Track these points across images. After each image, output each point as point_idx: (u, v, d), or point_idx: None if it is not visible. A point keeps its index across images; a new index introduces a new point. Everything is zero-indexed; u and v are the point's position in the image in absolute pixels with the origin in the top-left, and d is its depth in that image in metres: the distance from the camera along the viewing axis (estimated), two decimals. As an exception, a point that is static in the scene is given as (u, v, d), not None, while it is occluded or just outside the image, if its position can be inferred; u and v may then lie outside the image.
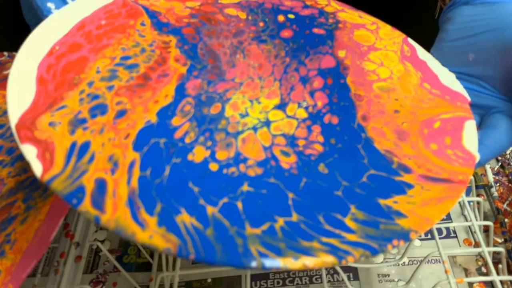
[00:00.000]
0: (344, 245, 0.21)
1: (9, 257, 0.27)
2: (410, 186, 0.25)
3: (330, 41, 0.34)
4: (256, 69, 0.32)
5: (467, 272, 0.42)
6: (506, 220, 0.46)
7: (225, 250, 0.20)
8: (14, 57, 0.37)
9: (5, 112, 0.37)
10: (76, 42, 0.28)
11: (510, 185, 0.48)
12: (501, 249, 0.36)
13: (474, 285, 0.41)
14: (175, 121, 0.27)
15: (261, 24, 0.35)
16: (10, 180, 0.32)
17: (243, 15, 0.35)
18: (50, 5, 0.30)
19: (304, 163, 0.26)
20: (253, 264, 0.19)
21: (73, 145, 0.23)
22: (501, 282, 0.34)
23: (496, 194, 0.48)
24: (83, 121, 0.24)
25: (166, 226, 0.20)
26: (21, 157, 0.34)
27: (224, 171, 0.25)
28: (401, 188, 0.25)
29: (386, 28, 0.36)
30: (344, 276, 0.38)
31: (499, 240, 0.44)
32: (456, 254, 0.42)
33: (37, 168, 0.21)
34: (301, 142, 0.28)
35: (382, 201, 0.24)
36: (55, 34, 0.27)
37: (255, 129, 0.28)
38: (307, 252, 0.20)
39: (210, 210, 0.22)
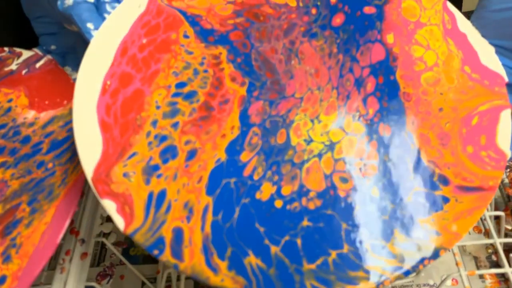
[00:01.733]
0: (385, 272, 0.25)
1: (15, 262, 0.27)
2: (446, 200, 0.27)
3: (379, 22, 0.34)
4: (314, 76, 0.33)
5: (477, 261, 0.44)
6: (517, 207, 0.47)
7: (284, 287, 0.24)
8: (16, 53, 0.40)
9: (6, 111, 0.37)
10: (125, 72, 0.29)
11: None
12: None
13: (485, 275, 0.43)
14: (244, 157, 0.29)
15: (314, 11, 0.34)
16: (14, 182, 0.32)
17: (292, 2, 0.34)
18: (90, 25, 0.31)
19: (359, 189, 0.28)
20: None
21: (150, 196, 0.26)
22: None
23: (507, 180, 0.47)
24: (156, 168, 0.27)
25: (236, 270, 0.25)
26: (24, 158, 0.34)
27: (288, 207, 0.28)
28: (439, 204, 0.27)
29: None
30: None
31: (509, 227, 0.45)
32: (467, 244, 0.43)
33: (120, 223, 0.25)
34: (358, 165, 0.29)
35: (421, 220, 0.27)
36: (101, 64, 0.29)
37: (320, 155, 0.30)
38: (352, 281, 0.24)
39: (274, 249, 0.26)
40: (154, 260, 0.47)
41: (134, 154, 0.27)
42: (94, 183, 0.25)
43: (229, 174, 0.28)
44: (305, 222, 0.27)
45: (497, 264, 0.42)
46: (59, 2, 0.31)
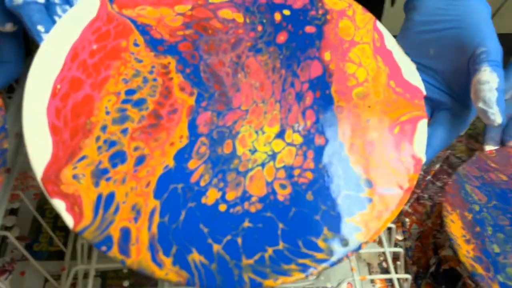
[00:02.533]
0: (313, 263, 0.28)
1: None
2: (369, 200, 0.31)
3: (318, 41, 0.37)
4: (259, 89, 0.35)
5: (370, 267, 0.49)
6: (406, 219, 0.53)
7: (224, 280, 0.27)
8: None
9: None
10: (75, 77, 0.31)
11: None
12: (400, 249, 0.42)
13: (375, 279, 0.48)
14: (192, 164, 0.31)
15: (259, 28, 0.37)
16: None
17: (240, 18, 0.37)
18: (40, 28, 0.32)
19: (296, 194, 0.31)
20: (244, 287, 0.26)
21: (99, 197, 0.28)
22: (398, 279, 0.40)
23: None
24: (105, 171, 0.29)
25: (180, 265, 0.27)
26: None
27: (231, 210, 0.30)
28: (363, 204, 0.31)
29: (359, 10, 0.39)
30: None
31: (399, 238, 0.51)
32: (362, 252, 0.48)
33: (69, 221, 0.27)
34: (296, 172, 0.32)
35: (348, 219, 0.30)
36: (52, 68, 0.30)
37: (263, 165, 0.32)
38: (285, 273, 0.27)
39: (216, 247, 0.28)
40: (59, 257, 0.46)
41: (83, 157, 0.29)
42: (44, 183, 0.27)
43: (177, 180, 0.30)
44: (246, 224, 0.30)
45: (387, 271, 0.46)
46: None
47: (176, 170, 0.31)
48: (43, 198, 0.51)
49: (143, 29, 0.34)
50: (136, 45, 0.34)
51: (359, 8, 0.39)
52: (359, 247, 0.29)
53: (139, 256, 0.27)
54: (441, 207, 0.43)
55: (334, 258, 0.28)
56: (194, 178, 0.31)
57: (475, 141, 0.63)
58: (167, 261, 0.27)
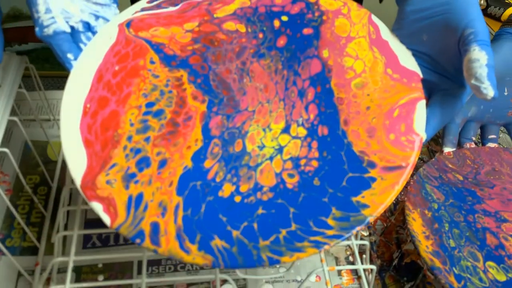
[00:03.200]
0: (325, 239, 0.31)
1: None
2: (373, 180, 0.33)
3: (316, 40, 0.41)
4: (263, 91, 0.39)
5: (337, 261, 0.52)
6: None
7: (244, 260, 0.30)
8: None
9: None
10: (102, 96, 0.36)
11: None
12: (366, 242, 0.44)
13: (342, 271, 0.51)
14: (207, 164, 0.35)
15: (261, 35, 0.41)
16: None
17: (242, 28, 0.41)
18: (70, 56, 0.36)
19: (304, 181, 0.35)
20: (263, 264, 0.30)
21: (130, 198, 0.32)
22: (364, 270, 0.43)
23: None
24: (133, 175, 0.33)
25: (204, 250, 0.31)
26: None
27: (245, 200, 0.34)
28: (368, 183, 0.33)
29: (353, 7, 0.42)
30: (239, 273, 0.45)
31: (365, 234, 0.54)
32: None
33: (106, 220, 0.31)
34: (302, 162, 0.36)
35: (354, 199, 0.33)
36: (81, 90, 0.35)
37: (271, 158, 0.36)
38: (299, 249, 0.30)
39: (235, 233, 0.32)
40: (32, 252, 0.47)
41: (114, 165, 0.34)
42: (83, 190, 0.31)
43: (195, 178, 0.35)
44: (260, 211, 0.33)
45: (353, 264, 0.50)
46: (37, 29, 0.36)
47: (194, 170, 0.35)
48: (15, 195, 0.53)
49: (158, 48, 0.39)
50: (152, 62, 0.38)
51: (354, 5, 0.42)
52: (367, 222, 0.31)
53: (169, 245, 0.31)
54: (404, 205, 0.46)
55: (344, 233, 0.31)
56: (210, 175, 0.35)
57: (435, 144, 0.66)
58: (193, 247, 0.31)
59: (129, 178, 0.33)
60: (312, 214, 0.33)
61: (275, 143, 0.37)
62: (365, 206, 0.32)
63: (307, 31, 0.41)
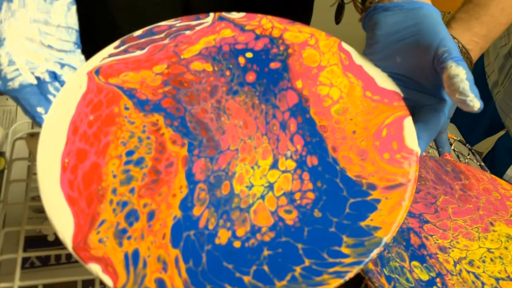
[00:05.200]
0: (345, 268, 0.30)
1: None
2: (378, 201, 0.33)
3: (286, 73, 0.41)
4: (243, 127, 0.38)
5: None
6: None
7: None
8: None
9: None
10: (80, 149, 0.34)
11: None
12: None
13: None
14: (196, 211, 0.34)
15: (227, 73, 0.41)
16: None
17: (209, 67, 0.41)
18: (40, 110, 0.34)
19: (303, 215, 0.34)
20: None
21: (126, 256, 0.30)
22: None
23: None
24: (124, 231, 0.31)
25: None
26: None
27: (246, 244, 0.33)
28: (373, 206, 0.33)
29: (322, 37, 0.43)
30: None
31: None
32: None
33: (108, 281, 0.28)
34: (297, 196, 0.35)
35: (363, 223, 0.33)
36: (57, 145, 0.33)
37: (262, 197, 0.35)
38: (321, 283, 0.29)
39: (246, 279, 0.30)
40: None
41: (103, 221, 0.31)
42: (76, 252, 0.29)
43: (187, 228, 0.33)
44: (266, 252, 0.32)
45: None
46: (0, 83, 0.34)
47: (184, 219, 0.33)
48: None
49: (130, 93, 0.37)
50: (126, 108, 0.37)
51: (322, 35, 0.43)
52: (385, 243, 0.31)
53: None
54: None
55: (363, 258, 0.30)
56: (202, 224, 0.33)
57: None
58: None
59: (121, 234, 0.31)
60: (323, 246, 0.32)
61: (264, 180, 0.36)
62: (376, 228, 0.32)
63: (274, 65, 0.42)
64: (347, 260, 0.30)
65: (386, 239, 0.31)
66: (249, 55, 0.42)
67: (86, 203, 0.31)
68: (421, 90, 0.39)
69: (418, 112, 0.39)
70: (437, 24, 0.38)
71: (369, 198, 0.34)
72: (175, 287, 0.29)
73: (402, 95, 0.38)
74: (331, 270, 0.30)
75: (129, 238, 0.31)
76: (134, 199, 0.33)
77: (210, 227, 0.33)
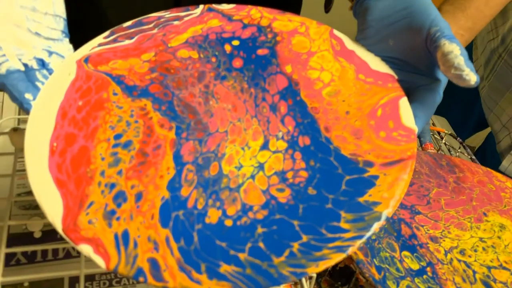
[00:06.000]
0: (346, 242, 0.29)
1: None
2: (376, 177, 0.33)
3: (274, 59, 0.41)
4: (232, 111, 0.38)
5: None
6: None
7: (265, 279, 0.28)
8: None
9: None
10: (69, 133, 0.33)
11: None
12: (313, 274, 0.42)
13: None
14: (184, 192, 0.33)
15: (213, 59, 0.40)
16: None
17: (195, 55, 0.40)
18: (28, 96, 0.33)
19: (297, 193, 0.33)
20: (290, 280, 0.27)
21: (116, 236, 0.29)
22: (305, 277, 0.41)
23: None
24: (113, 212, 0.31)
25: (216, 278, 0.28)
26: None
27: (238, 223, 0.32)
28: (371, 182, 0.33)
29: (313, 25, 0.42)
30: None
31: None
32: None
33: (100, 262, 0.27)
34: (289, 174, 0.35)
35: (361, 199, 0.32)
36: (45, 129, 0.32)
37: (252, 177, 0.35)
38: (322, 258, 0.28)
39: (242, 256, 0.29)
40: None
41: (92, 203, 0.31)
42: (66, 233, 0.28)
43: (175, 208, 0.32)
44: (260, 229, 0.31)
45: None
46: None
47: (172, 199, 0.33)
48: None
49: (119, 80, 0.37)
50: (115, 94, 0.36)
51: (313, 23, 0.42)
52: (386, 217, 0.30)
53: (177, 279, 0.27)
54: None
55: (364, 233, 0.29)
56: (190, 203, 0.33)
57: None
58: (203, 277, 0.28)
59: (109, 215, 0.30)
60: (320, 222, 0.31)
61: (253, 161, 0.36)
62: (376, 203, 0.31)
63: (262, 51, 0.41)
64: (347, 235, 0.30)
65: (387, 212, 0.30)
66: (235, 42, 0.42)
67: (75, 185, 0.31)
68: (415, 71, 0.39)
69: (413, 92, 0.39)
70: (428, 5, 0.38)
71: (366, 175, 0.33)
72: (168, 266, 0.28)
73: (396, 77, 0.38)
74: (331, 245, 0.29)
75: (118, 219, 0.30)
76: (122, 180, 0.33)
77: (199, 207, 0.33)
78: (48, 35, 0.36)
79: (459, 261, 0.45)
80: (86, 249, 0.28)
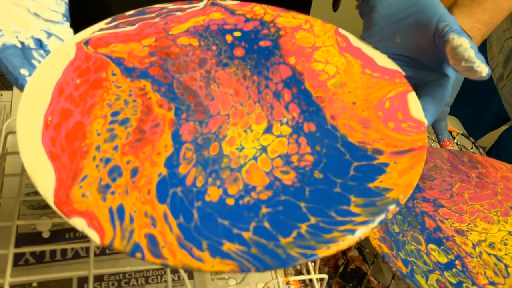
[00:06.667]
0: (357, 226, 0.27)
1: None
2: (386, 165, 0.31)
3: (277, 50, 0.40)
4: (234, 95, 0.37)
5: (285, 269, 0.50)
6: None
7: (273, 259, 0.26)
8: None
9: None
10: (65, 108, 0.31)
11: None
12: (325, 275, 0.42)
13: (291, 280, 0.49)
14: (182, 169, 0.32)
15: (214, 47, 0.39)
16: None
17: (195, 42, 0.39)
18: (24, 71, 0.32)
19: (302, 176, 0.32)
20: (300, 261, 0.25)
21: (110, 211, 0.27)
22: (316, 279, 0.42)
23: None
24: (108, 186, 0.29)
25: (220, 256, 0.25)
26: None
27: (240, 202, 0.30)
28: (381, 169, 0.31)
29: (318, 23, 0.42)
30: (184, 275, 0.42)
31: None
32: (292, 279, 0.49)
33: (95, 236, 0.25)
34: (294, 158, 0.33)
35: (371, 185, 0.30)
36: (40, 104, 0.31)
37: (255, 158, 0.33)
38: (332, 240, 0.26)
39: (246, 235, 0.27)
40: None
41: (85, 176, 0.29)
42: (58, 206, 0.26)
43: (173, 184, 0.31)
44: (264, 210, 0.30)
45: (300, 272, 0.50)
46: None
47: (170, 176, 0.31)
48: None
49: (118, 61, 0.36)
50: (114, 74, 0.35)
51: (318, 21, 0.42)
52: (399, 203, 0.28)
53: (177, 256, 0.25)
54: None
55: (375, 217, 0.28)
56: (189, 181, 0.32)
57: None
58: (204, 255, 0.25)
59: (104, 189, 0.28)
60: (329, 205, 0.29)
61: (256, 143, 0.35)
62: (387, 189, 0.29)
63: (264, 43, 0.40)
64: (358, 219, 0.28)
65: (401, 199, 0.28)
66: (237, 34, 0.41)
67: (69, 159, 0.29)
68: (423, 67, 0.39)
69: (421, 87, 0.38)
70: (435, 2, 0.38)
71: (375, 162, 0.32)
72: (167, 243, 0.26)
73: (403, 73, 0.37)
74: (341, 228, 0.27)
75: (113, 193, 0.28)
76: (117, 156, 0.31)
77: (198, 184, 0.31)
78: (48, 17, 0.35)
79: (489, 254, 0.44)
80: (79, 222, 0.25)
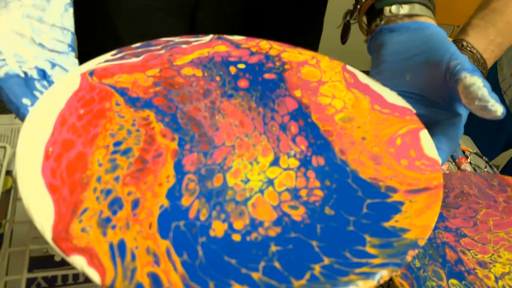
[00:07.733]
0: (375, 269, 0.25)
1: None
2: (401, 204, 0.30)
3: (282, 83, 0.39)
4: (239, 126, 0.36)
5: None
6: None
7: None
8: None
9: None
10: (67, 139, 0.30)
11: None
12: None
13: None
14: (185, 201, 0.30)
15: (218, 78, 0.39)
16: None
17: (199, 73, 0.38)
18: (26, 101, 0.31)
19: (312, 211, 0.30)
20: None
21: (111, 246, 0.25)
22: None
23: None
24: (108, 220, 0.27)
25: None
26: None
27: (247, 238, 0.29)
28: (396, 208, 0.30)
29: (324, 60, 0.41)
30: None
31: None
32: None
33: (95, 276, 0.23)
34: (303, 192, 0.32)
35: (386, 224, 0.29)
36: (42, 134, 0.29)
37: (261, 191, 0.32)
38: (349, 284, 0.25)
39: (256, 275, 0.25)
40: None
41: (86, 209, 0.27)
42: (56, 242, 0.24)
43: (176, 218, 0.29)
44: (274, 248, 0.28)
45: None
46: None
47: (172, 209, 0.30)
48: None
49: (122, 91, 0.35)
50: (117, 104, 0.34)
51: (325, 58, 0.41)
52: (418, 245, 0.27)
53: None
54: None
55: (395, 260, 0.26)
56: (192, 214, 0.30)
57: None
58: None
59: (104, 223, 0.27)
60: (343, 245, 0.28)
61: (262, 176, 0.33)
62: (404, 230, 0.28)
63: (269, 76, 0.40)
64: (375, 261, 0.26)
65: (419, 241, 0.27)
66: (241, 66, 0.40)
67: (69, 191, 0.27)
68: (434, 105, 0.38)
69: (433, 126, 0.37)
70: (445, 40, 0.37)
71: (389, 200, 0.30)
72: (172, 283, 0.24)
73: (414, 111, 0.36)
74: (358, 270, 0.26)
75: (113, 227, 0.26)
76: (118, 187, 0.30)
77: (202, 218, 0.30)
78: (53, 47, 0.35)
79: (513, 288, 0.42)
80: (79, 261, 0.24)
